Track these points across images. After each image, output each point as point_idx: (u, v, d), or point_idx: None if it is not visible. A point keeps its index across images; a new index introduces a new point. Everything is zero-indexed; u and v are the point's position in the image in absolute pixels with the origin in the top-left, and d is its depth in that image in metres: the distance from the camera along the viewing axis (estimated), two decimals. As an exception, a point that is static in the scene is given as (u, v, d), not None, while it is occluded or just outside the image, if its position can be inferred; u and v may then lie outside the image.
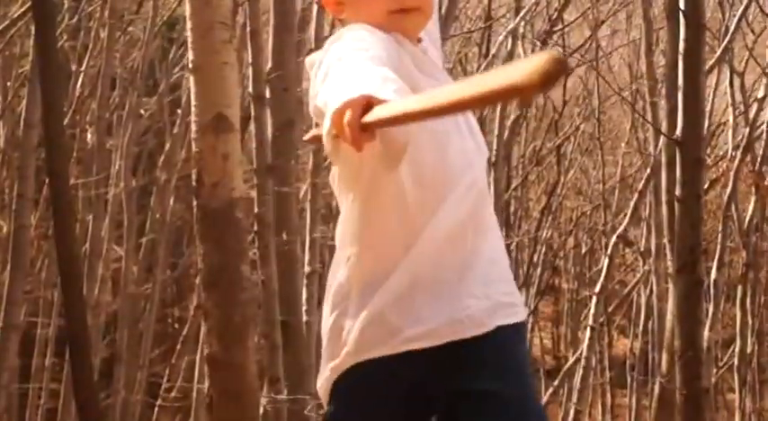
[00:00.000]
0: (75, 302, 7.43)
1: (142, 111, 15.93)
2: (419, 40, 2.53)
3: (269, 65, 8.74)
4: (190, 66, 4.82)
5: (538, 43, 15.72)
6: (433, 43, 2.63)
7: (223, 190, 4.77)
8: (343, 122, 1.87)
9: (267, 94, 8.50)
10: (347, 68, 2.07)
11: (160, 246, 15.68)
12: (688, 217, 8.00)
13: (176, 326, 21.18)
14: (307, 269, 10.92)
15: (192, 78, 4.82)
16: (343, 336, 2.37)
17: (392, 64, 2.18)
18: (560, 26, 16.66)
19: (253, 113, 8.46)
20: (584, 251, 22.55)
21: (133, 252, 14.90)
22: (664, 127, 10.92)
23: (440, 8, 8.53)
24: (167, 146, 15.81)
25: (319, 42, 8.66)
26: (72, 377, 7.55)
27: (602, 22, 17.63)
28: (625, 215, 15.46)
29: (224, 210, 4.81)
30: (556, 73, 1.52)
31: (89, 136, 14.65)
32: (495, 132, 14.84)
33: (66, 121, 11.61)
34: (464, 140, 2.44)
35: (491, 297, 2.38)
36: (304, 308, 9.75)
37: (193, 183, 4.84)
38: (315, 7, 9.65)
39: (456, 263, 2.36)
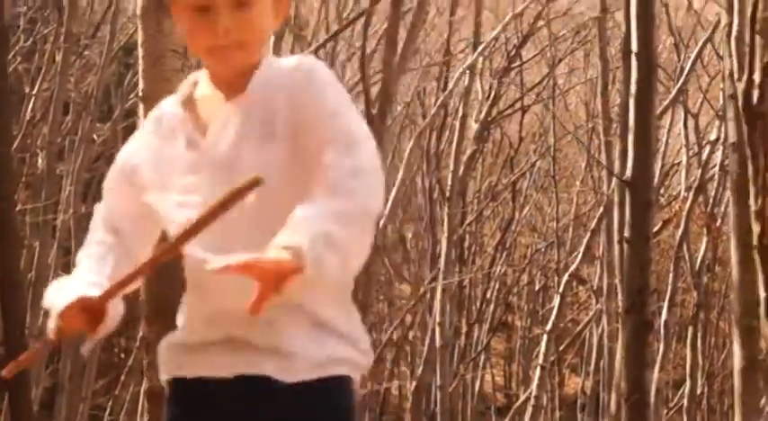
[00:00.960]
0: (17, 331, 7.31)
1: (95, 137, 15.79)
2: (245, 79, 2.33)
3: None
4: (140, 94, 4.76)
5: (495, 80, 15.79)
6: (294, 104, 2.29)
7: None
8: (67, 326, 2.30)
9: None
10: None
11: (109, 274, 15.48)
12: (637, 258, 8.01)
13: (122, 356, 20.94)
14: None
15: (141, 106, 4.77)
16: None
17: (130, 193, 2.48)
18: (518, 63, 16.74)
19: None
20: (537, 288, 22.57)
21: (81, 279, 14.69)
22: (618, 166, 10.95)
23: (394, 43, 8.51)
24: (120, 173, 15.66)
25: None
26: (9, 408, 7.42)
27: (560, 60, 17.72)
28: (579, 253, 15.48)
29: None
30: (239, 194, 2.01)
31: (39, 160, 14.51)
32: (451, 168, 14.83)
33: (15, 145, 11.48)
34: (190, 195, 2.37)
35: (231, 343, 2.37)
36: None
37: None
38: (271, 39, 9.60)
39: (207, 308, 2.41)
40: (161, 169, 2.39)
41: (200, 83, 2.43)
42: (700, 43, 14.99)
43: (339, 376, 2.34)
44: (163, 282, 4.68)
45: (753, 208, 7.46)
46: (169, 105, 2.43)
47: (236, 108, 2.32)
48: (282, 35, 12.17)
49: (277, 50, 9.83)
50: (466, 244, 20.05)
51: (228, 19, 2.30)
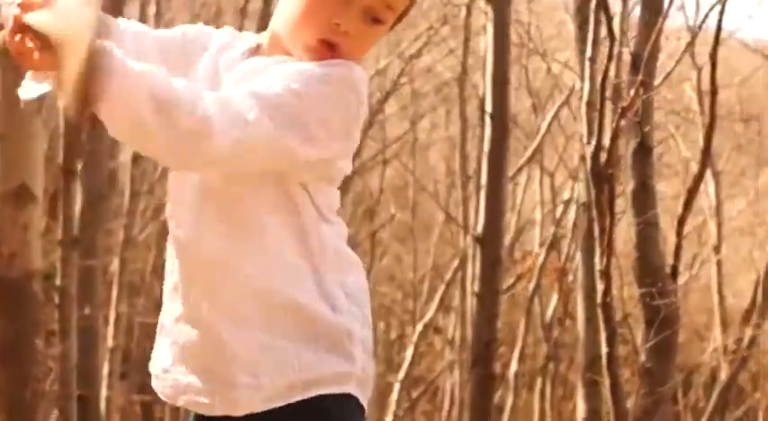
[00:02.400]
0: None
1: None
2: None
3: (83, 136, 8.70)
4: (-5, 132, 4.81)
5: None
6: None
7: (21, 261, 4.76)
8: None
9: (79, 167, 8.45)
10: None
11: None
12: (485, 312, 8.26)
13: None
14: (110, 343, 10.82)
15: (-2, 144, 4.81)
16: None
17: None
18: (380, 117, 16.99)
19: (62, 185, 8.38)
20: (393, 337, 22.75)
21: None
22: (473, 222, 11.23)
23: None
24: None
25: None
26: None
27: (422, 116, 18.04)
28: (434, 304, 15.74)
29: (21, 281, 4.79)
30: None
31: None
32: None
33: None
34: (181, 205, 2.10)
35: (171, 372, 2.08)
36: (104, 382, 9.63)
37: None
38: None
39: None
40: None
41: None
42: (556, 106, 15.46)
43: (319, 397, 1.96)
44: (11, 327, 4.73)
45: (598, 267, 7.74)
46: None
47: None
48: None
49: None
50: (325, 292, 20.14)
51: (355, 21, 2.02)
